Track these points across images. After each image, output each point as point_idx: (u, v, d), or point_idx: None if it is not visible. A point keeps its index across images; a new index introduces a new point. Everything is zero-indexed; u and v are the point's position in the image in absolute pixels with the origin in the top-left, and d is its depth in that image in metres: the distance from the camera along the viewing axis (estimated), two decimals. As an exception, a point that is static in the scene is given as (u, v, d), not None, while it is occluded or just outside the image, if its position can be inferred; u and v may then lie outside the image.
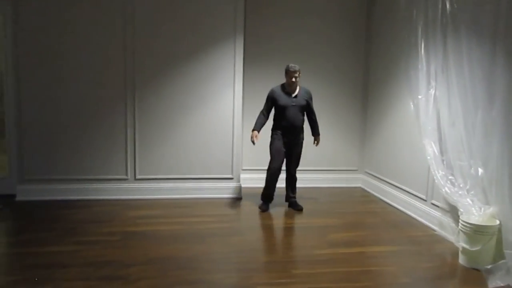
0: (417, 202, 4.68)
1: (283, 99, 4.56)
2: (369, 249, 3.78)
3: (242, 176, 5.37)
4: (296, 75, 4.53)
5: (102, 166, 5.04)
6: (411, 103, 4.54)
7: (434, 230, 4.25)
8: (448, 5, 3.90)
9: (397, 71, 5.12)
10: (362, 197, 5.65)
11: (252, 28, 5.52)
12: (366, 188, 5.97)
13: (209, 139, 5.23)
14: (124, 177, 5.12)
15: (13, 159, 4.93)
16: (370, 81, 5.94)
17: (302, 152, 4.80)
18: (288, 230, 4.20)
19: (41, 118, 4.87)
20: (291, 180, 4.84)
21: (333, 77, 5.92)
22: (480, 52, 3.57)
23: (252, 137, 4.56)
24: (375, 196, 5.59)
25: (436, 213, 4.31)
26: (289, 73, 4.53)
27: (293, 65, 4.55)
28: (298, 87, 4.64)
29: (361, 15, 5.91)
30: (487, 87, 3.49)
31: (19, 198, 4.85)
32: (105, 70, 4.93)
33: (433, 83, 4.26)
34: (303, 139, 4.78)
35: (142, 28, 4.94)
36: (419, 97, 4.34)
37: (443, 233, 4.12)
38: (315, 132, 4.86)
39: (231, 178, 5.32)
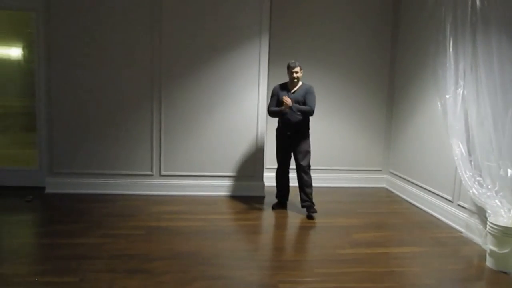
0: (443, 203, 4.59)
1: (281, 95, 4.52)
2: (392, 250, 3.73)
3: (266, 174, 5.38)
4: (297, 70, 4.48)
5: (127, 162, 5.14)
6: (438, 102, 4.46)
7: (460, 232, 4.17)
8: (478, 2, 3.80)
9: (425, 70, 5.04)
10: (386, 197, 5.58)
11: (277, 29, 5.54)
12: (390, 189, 5.89)
13: (233, 137, 5.26)
14: (150, 173, 5.20)
15: (43, 152, 5.09)
16: (396, 80, 5.86)
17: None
18: (311, 229, 4.18)
19: (70, 113, 5.01)
20: (301, 181, 4.57)
21: (358, 76, 5.87)
22: (511, 49, 3.48)
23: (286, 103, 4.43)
24: (399, 197, 5.52)
25: (463, 215, 4.22)
26: (289, 69, 4.51)
27: (293, 61, 4.52)
28: (299, 84, 4.57)
29: (388, 12, 5.83)
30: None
31: (48, 190, 5.00)
32: (132, 67, 5.02)
33: (461, 82, 4.17)
34: (307, 134, 4.60)
35: (169, 26, 5.01)
36: (447, 96, 4.26)
37: (469, 235, 4.04)
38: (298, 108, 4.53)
39: (255, 176, 5.34)
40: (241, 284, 2.95)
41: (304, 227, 4.26)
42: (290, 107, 4.44)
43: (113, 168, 5.13)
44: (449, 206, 4.48)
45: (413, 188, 5.28)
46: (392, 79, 5.91)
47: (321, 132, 5.79)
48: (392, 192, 5.77)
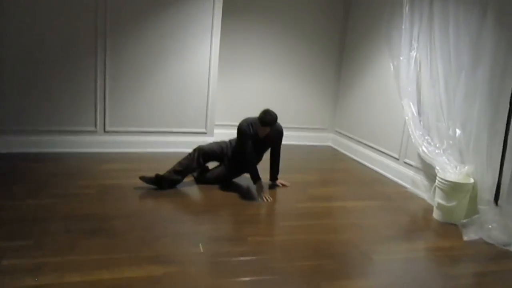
0: (389, 161, 4.83)
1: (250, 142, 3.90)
2: (348, 204, 3.88)
3: (216, 131, 5.28)
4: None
5: (71, 118, 4.74)
6: (391, 64, 4.59)
7: (406, 188, 4.43)
8: (438, -35, 3.89)
9: (377, 31, 5.14)
10: (333, 155, 5.76)
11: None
12: (335, 147, 6.09)
13: (183, 92, 5.05)
14: (93, 129, 4.87)
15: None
16: (347, 40, 5.93)
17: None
18: (269, 186, 4.20)
19: (10, 67, 4.45)
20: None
21: (309, 36, 5.86)
22: (468, 15, 3.62)
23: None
24: (345, 155, 5.72)
25: (409, 172, 4.47)
26: (264, 126, 3.81)
27: (273, 117, 3.79)
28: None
29: (340, -28, 5.81)
30: (473, 50, 3.56)
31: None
32: (75, 16, 4.54)
33: (415, 45, 4.31)
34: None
35: (114, -31, 4.57)
36: (401, 58, 4.39)
37: (415, 190, 4.30)
38: None
39: (205, 133, 5.22)
40: (210, 238, 2.90)
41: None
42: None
43: (55, 125, 4.69)
44: (395, 164, 4.73)
45: (359, 147, 5.48)
46: (343, 39, 5.97)
47: (270, 90, 5.80)
48: (337, 150, 5.96)
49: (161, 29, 4.83)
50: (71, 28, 4.56)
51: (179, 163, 3.87)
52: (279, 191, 4.06)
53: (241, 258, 2.63)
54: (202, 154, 3.92)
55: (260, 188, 3.79)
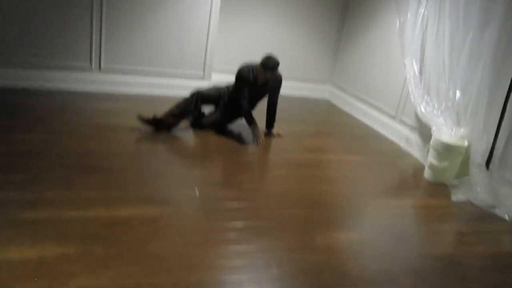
0: (385, 118, 4.84)
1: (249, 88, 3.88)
2: (341, 157, 3.93)
3: (214, 76, 5.21)
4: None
5: (64, 52, 4.61)
6: (397, 19, 4.48)
7: (400, 145, 4.48)
8: None
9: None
10: (329, 108, 5.77)
11: None
12: (332, 101, 6.07)
13: (183, 33, 4.92)
14: (88, 65, 4.76)
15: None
16: (352, -9, 5.75)
17: None
18: (263, 135, 4.20)
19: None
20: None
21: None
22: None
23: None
24: (341, 109, 5.72)
25: (404, 130, 4.50)
26: (266, 71, 3.76)
27: (275, 62, 3.75)
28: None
29: None
30: (483, 11, 3.48)
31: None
32: None
33: (423, 2, 4.20)
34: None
35: None
36: (408, 14, 4.28)
37: (408, 149, 4.36)
38: None
39: (202, 77, 5.15)
40: (205, 183, 2.95)
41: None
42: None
43: (48, 59, 4.58)
44: (391, 121, 4.75)
45: (356, 101, 5.47)
46: (348, -11, 5.79)
47: (270, 37, 5.68)
48: (333, 104, 5.96)
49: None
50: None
51: (177, 106, 3.84)
52: (274, 141, 4.09)
53: (235, 204, 2.69)
54: (200, 98, 3.88)
55: (255, 131, 3.80)
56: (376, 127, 4.98)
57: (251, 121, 3.86)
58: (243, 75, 3.80)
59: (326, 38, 5.99)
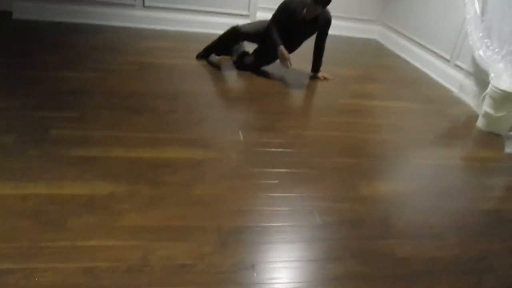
0: (439, 62, 4.56)
1: (291, 21, 3.69)
2: (390, 104, 3.77)
3: (259, 14, 5.02)
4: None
5: (109, -13, 4.56)
6: (459, -49, 4.07)
7: (452, 92, 4.24)
8: None
9: None
10: (378, 50, 5.49)
11: None
12: (381, 41, 5.76)
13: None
14: (132, 2, 4.69)
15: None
16: None
17: None
18: (310, 78, 4.07)
19: None
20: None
21: None
22: None
23: None
24: (391, 51, 5.44)
25: (458, 75, 4.24)
26: (316, 3, 3.53)
27: None
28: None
29: None
30: None
31: (16, 16, 4.43)
32: None
33: None
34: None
35: None
36: None
37: (462, 95, 4.12)
38: None
39: (248, 15, 4.97)
40: (250, 127, 2.91)
41: (302, 74, 4.13)
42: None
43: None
44: (445, 65, 4.47)
45: (407, 43, 5.16)
46: None
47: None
48: (383, 45, 5.66)
49: None
50: None
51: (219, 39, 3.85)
52: (321, 84, 3.96)
53: (280, 150, 2.66)
54: (238, 35, 3.79)
55: (282, 54, 3.63)
56: (428, 71, 4.71)
57: (277, 44, 3.63)
58: (287, 4, 3.64)
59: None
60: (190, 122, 2.86)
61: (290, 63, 3.65)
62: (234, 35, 3.76)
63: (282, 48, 3.63)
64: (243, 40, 3.85)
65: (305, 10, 3.60)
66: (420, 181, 2.60)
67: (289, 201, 2.18)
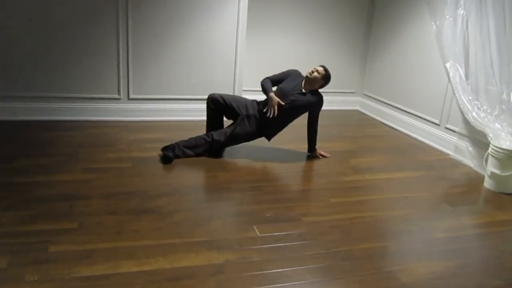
0: (429, 127, 4.61)
1: (287, 86, 3.78)
2: (393, 175, 3.69)
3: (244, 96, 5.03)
4: (319, 70, 3.76)
5: (92, 84, 4.50)
6: (433, 23, 4.28)
7: (449, 154, 4.23)
8: None
9: (415, -14, 4.77)
10: (363, 120, 5.56)
11: None
12: (364, 111, 5.85)
13: (210, 56, 4.77)
14: (117, 96, 4.63)
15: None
16: (378, -3, 5.56)
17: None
18: (307, 156, 3.99)
19: (25, 29, 4.16)
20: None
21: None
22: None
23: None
24: (375, 119, 5.51)
25: (451, 138, 4.26)
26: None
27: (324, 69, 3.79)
28: (312, 87, 3.80)
29: None
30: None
31: (-2, 118, 4.28)
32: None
33: (461, 1, 3.99)
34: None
35: None
36: (447, 17, 4.07)
37: (459, 157, 4.11)
38: None
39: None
40: (262, 219, 2.73)
41: (299, 153, 4.06)
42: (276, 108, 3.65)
43: (76, 91, 4.48)
44: (435, 129, 4.51)
45: (391, 111, 5.25)
46: (373, -4, 5.60)
47: (294, 52, 5.50)
48: (366, 115, 5.74)
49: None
50: (90, -11, 4.23)
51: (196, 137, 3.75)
52: (320, 162, 3.88)
53: (301, 242, 2.48)
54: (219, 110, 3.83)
55: (272, 98, 3.64)
56: (419, 137, 4.74)
57: (267, 92, 3.71)
58: (290, 70, 3.89)
59: (353, 48, 5.81)
60: (199, 221, 2.66)
61: (275, 110, 3.63)
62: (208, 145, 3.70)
63: (273, 94, 3.68)
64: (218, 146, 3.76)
65: (303, 82, 3.74)
66: (455, 258, 2.44)
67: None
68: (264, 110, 3.69)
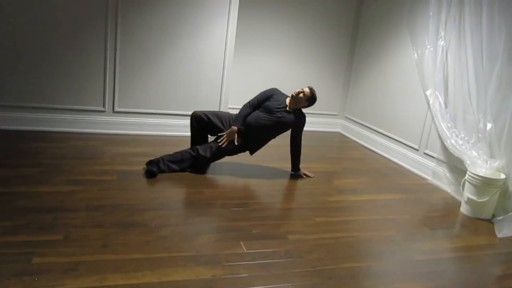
0: (408, 151, 4.74)
1: (272, 104, 3.82)
2: (375, 197, 3.78)
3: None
4: (307, 90, 3.81)
5: (77, 95, 4.49)
6: (414, 52, 4.46)
7: (427, 179, 4.36)
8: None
9: (396, 16, 4.98)
10: (345, 142, 5.68)
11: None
12: (345, 134, 5.98)
13: (197, 72, 4.82)
14: (101, 109, 4.61)
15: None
16: (361, 26, 5.75)
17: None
18: (291, 176, 4.05)
19: (10, 39, 4.14)
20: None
21: (321, 19, 5.69)
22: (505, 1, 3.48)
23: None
24: (356, 142, 5.64)
25: (430, 163, 4.40)
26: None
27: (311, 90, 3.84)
28: (297, 105, 3.85)
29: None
30: (510, 39, 3.44)
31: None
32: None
33: (442, 33, 4.18)
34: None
35: None
36: (428, 46, 4.25)
37: (437, 182, 4.24)
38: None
39: (218, 117, 5.01)
40: (249, 236, 2.75)
41: (283, 172, 4.12)
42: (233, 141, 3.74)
43: (60, 102, 4.45)
44: (414, 154, 4.65)
45: (372, 134, 5.38)
46: (357, 24, 5.79)
47: (279, 73, 5.62)
48: (347, 137, 5.87)
49: (175, 7, 4.55)
50: (81, 5, 4.25)
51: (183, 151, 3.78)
52: (304, 182, 3.94)
53: (289, 260, 2.51)
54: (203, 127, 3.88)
55: (232, 132, 3.72)
56: (398, 161, 4.87)
57: (235, 122, 3.77)
58: (269, 89, 3.91)
59: (336, 72, 5.97)
60: (186, 235, 2.67)
61: (224, 143, 3.70)
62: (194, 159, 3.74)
63: (235, 128, 3.73)
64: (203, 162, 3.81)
65: (287, 100, 3.81)
66: (435, 280, 2.51)
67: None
68: (218, 138, 3.77)
